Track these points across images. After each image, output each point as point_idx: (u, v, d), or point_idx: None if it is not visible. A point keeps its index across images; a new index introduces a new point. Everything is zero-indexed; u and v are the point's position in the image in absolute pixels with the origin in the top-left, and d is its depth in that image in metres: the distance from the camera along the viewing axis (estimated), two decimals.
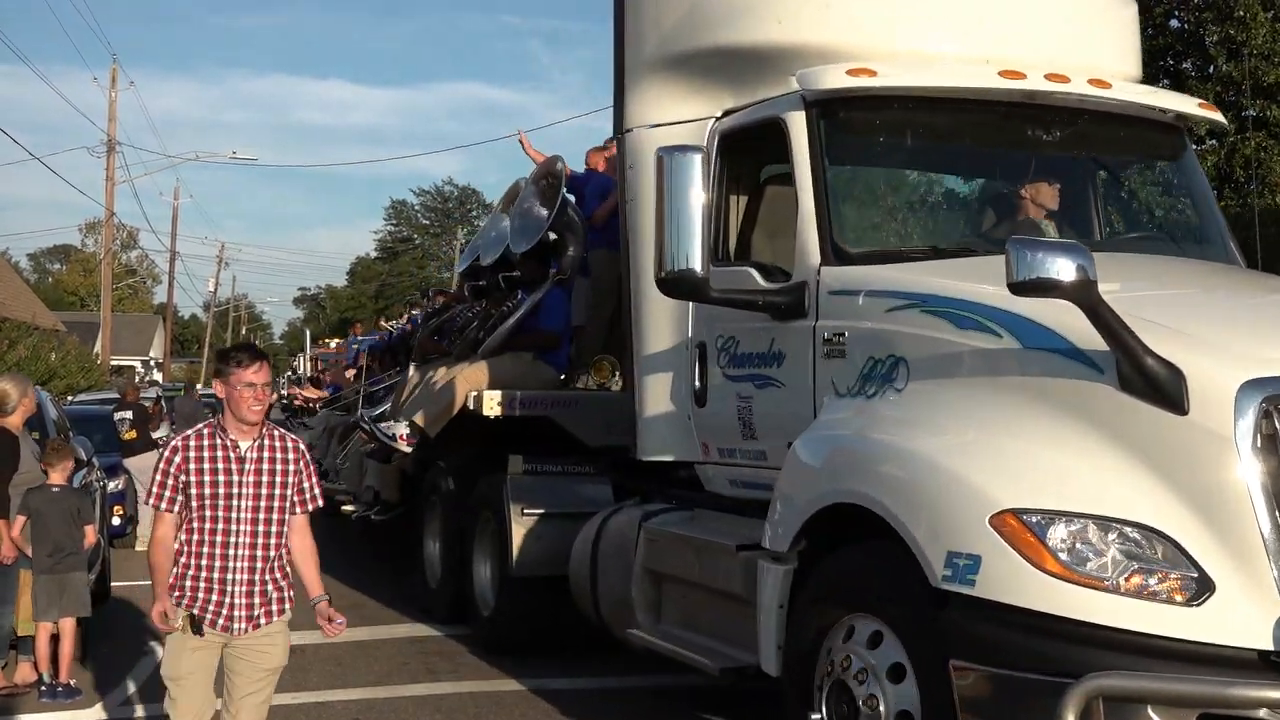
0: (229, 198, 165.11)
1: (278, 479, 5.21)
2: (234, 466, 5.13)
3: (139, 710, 7.83)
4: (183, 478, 5.08)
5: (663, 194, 5.72)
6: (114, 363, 45.03)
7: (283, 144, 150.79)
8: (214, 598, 5.10)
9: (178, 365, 72.75)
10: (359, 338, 21.37)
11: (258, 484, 5.17)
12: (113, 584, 11.78)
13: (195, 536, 5.12)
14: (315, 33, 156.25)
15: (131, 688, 8.36)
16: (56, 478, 8.44)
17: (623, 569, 7.38)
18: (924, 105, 6.54)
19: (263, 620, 5.26)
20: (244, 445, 5.17)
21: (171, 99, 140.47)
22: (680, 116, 7.03)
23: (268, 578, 5.27)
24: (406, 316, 18.95)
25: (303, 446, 5.47)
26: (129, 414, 15.98)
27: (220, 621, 5.12)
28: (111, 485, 13.98)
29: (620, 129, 7.46)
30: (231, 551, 5.12)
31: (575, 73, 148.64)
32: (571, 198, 10.58)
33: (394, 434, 9.89)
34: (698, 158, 5.72)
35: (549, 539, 8.59)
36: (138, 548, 15.00)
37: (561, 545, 8.34)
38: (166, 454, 5.20)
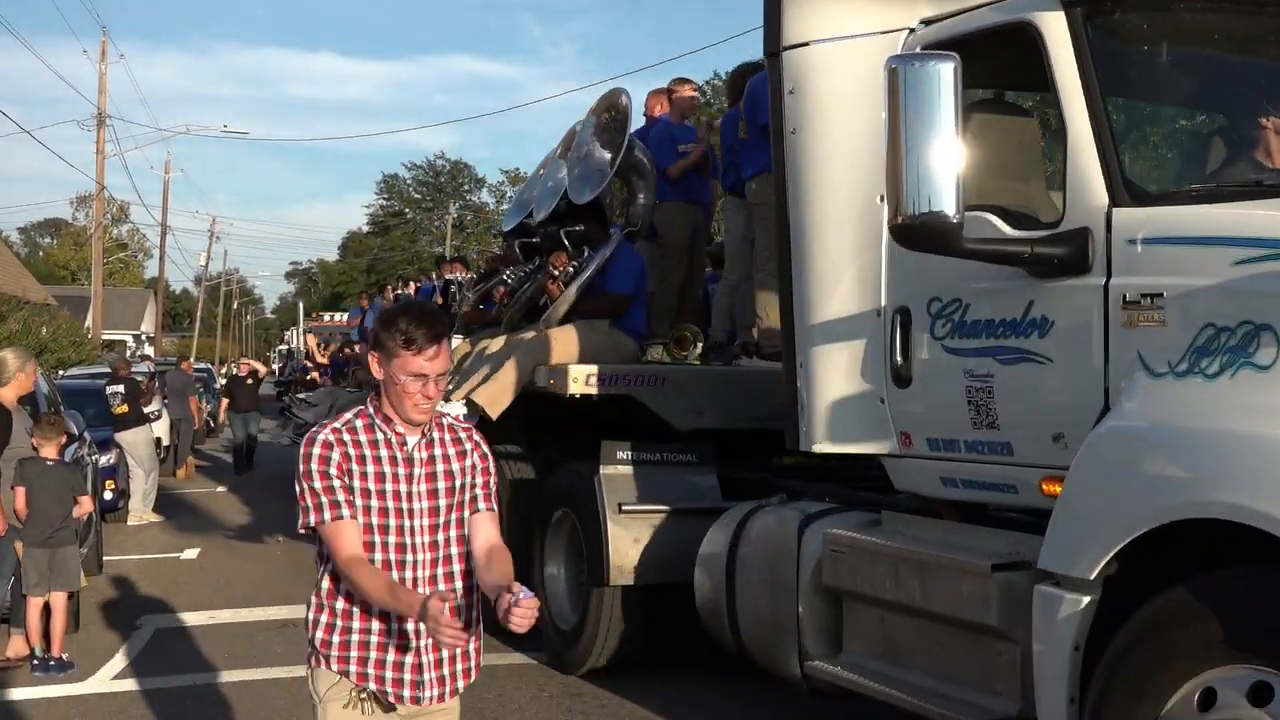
0: (220, 171, 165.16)
1: (456, 485, 3.78)
2: (402, 471, 3.71)
3: (132, 684, 7.82)
4: (348, 480, 3.64)
5: (898, 118, 4.48)
6: (105, 337, 44.83)
7: (274, 117, 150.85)
8: (392, 657, 3.67)
9: (169, 340, 72.63)
10: (365, 308, 20.34)
11: (433, 493, 3.74)
12: (104, 558, 11.82)
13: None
14: (306, 4, 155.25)
15: (124, 661, 8.37)
16: (49, 452, 8.40)
17: (777, 584, 5.97)
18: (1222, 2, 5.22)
19: (460, 684, 3.84)
20: (410, 441, 3.74)
21: (162, 71, 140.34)
22: (861, 28, 5.61)
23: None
24: (415, 286, 18.04)
25: (478, 436, 3.98)
26: (121, 388, 15.93)
27: (408, 691, 3.68)
28: (103, 460, 13.97)
29: (774, 47, 5.86)
30: (410, 587, 3.62)
31: (566, 46, 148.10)
32: (639, 142, 9.29)
33: (451, 417, 8.36)
34: (950, 68, 4.42)
35: (657, 541, 7.08)
36: (130, 522, 15.12)
37: (671, 548, 6.98)
38: (318, 450, 3.68)
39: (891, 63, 4.63)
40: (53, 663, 8.03)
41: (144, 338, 67.04)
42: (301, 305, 45.71)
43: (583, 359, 7.83)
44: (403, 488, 3.67)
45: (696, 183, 9.84)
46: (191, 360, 37.36)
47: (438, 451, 3.77)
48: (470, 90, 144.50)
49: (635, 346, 8.46)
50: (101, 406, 15.61)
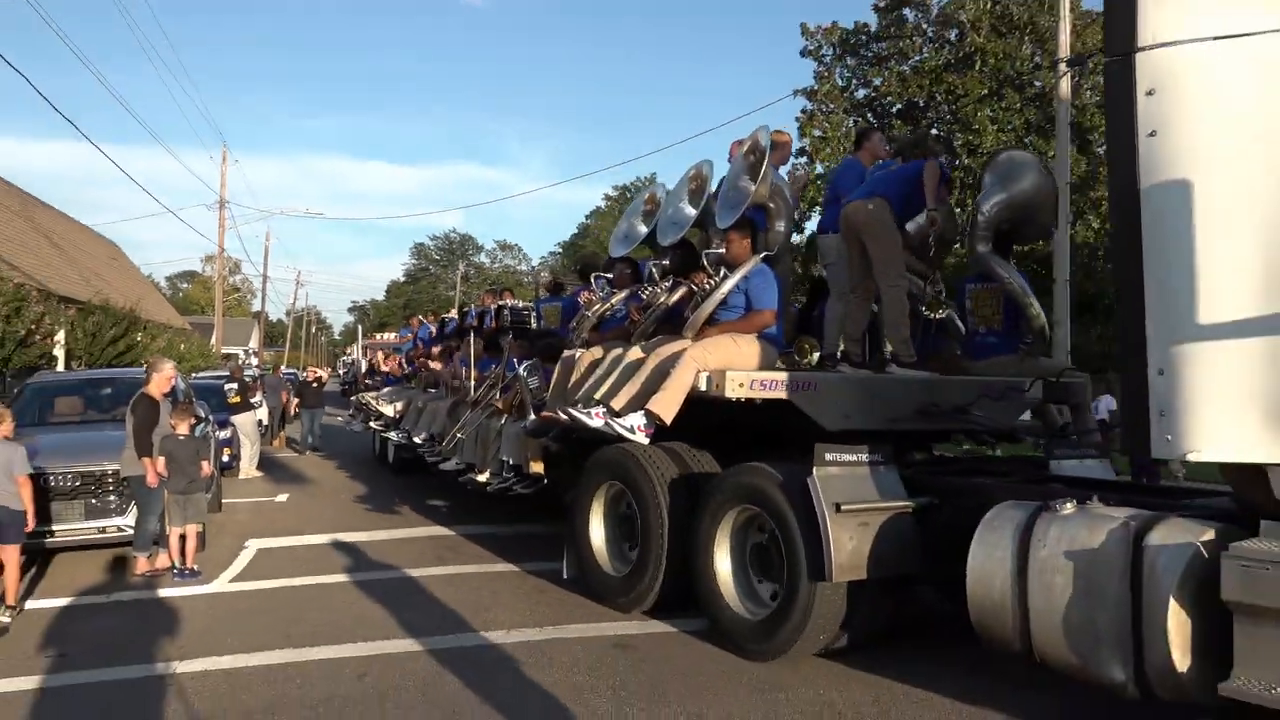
0: (303, 238, 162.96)
1: None
2: None
3: (241, 585, 7.72)
4: None
5: None
6: (224, 351, 44.22)
7: (340, 202, 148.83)
8: None
9: (268, 353, 71.87)
10: (424, 325, 18.18)
11: None
12: (223, 501, 11.68)
13: None
14: (364, 128, 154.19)
15: (236, 570, 8.25)
16: (182, 429, 8.31)
17: (1097, 592, 4.10)
18: None
19: None
20: None
21: (263, 171, 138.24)
22: (1244, 27, 3.72)
23: None
24: (462, 312, 15.43)
25: None
26: (235, 385, 15.82)
27: None
28: (222, 434, 13.89)
29: (1125, 47, 4.00)
30: None
31: (540, 157, 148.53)
32: (782, 171, 7.62)
33: (631, 426, 6.20)
34: None
35: (871, 537, 5.30)
36: (240, 476, 14.90)
37: (884, 543, 5.30)
38: None
39: None
40: (188, 572, 7.93)
41: (250, 352, 66.24)
42: (360, 329, 45.14)
43: (735, 367, 6.17)
44: None
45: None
46: (282, 367, 36.84)
47: None
48: (473, 186, 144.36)
49: (777, 356, 6.70)
50: (221, 398, 15.38)
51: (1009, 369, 7.11)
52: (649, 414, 6.16)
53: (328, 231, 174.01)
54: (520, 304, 11.90)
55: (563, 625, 6.38)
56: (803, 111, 27.89)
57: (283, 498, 12.86)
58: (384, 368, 18.94)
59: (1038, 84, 21.77)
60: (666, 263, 7.62)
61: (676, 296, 7.05)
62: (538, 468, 8.19)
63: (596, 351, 7.32)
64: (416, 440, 11.85)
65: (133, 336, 22.89)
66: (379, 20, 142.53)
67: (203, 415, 10.79)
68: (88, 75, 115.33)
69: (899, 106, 25.20)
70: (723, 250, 6.92)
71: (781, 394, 5.99)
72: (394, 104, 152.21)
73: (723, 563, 5.99)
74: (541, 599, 7.15)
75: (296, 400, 20.83)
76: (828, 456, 5.48)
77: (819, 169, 27.74)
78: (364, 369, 22.81)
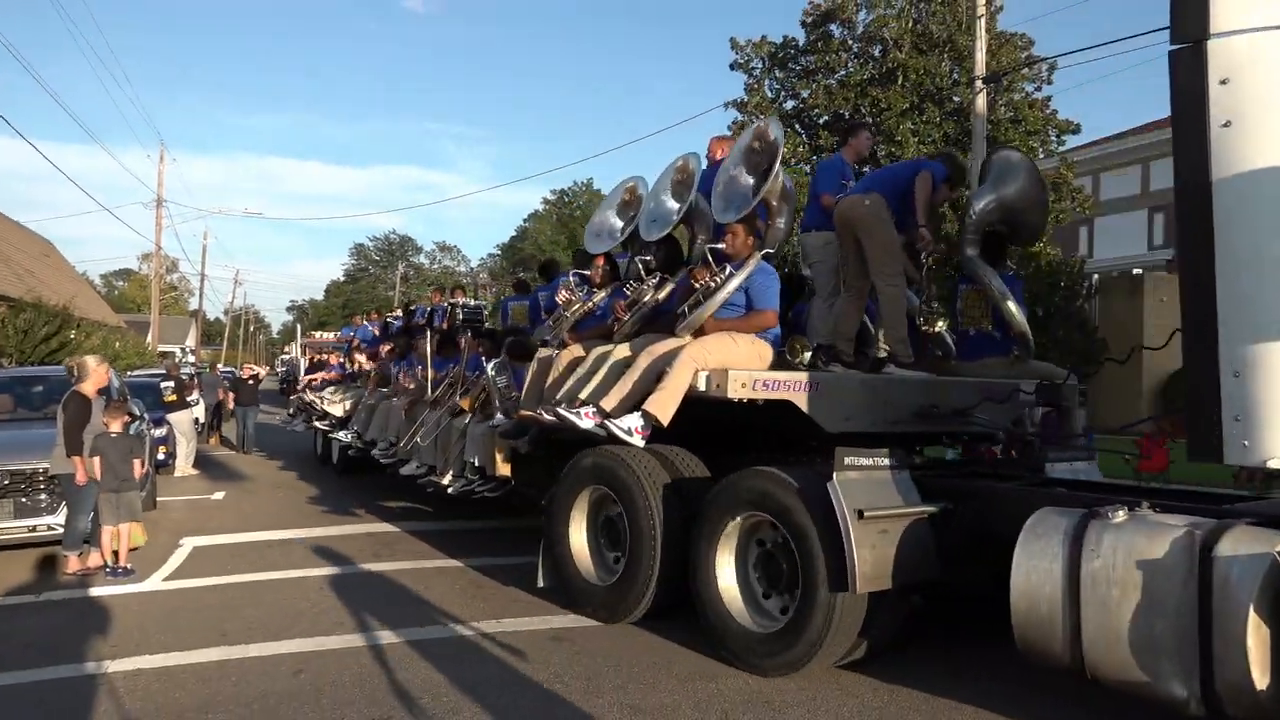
0: (241, 237, 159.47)
1: None
2: None
3: (175, 584, 7.50)
4: None
5: None
6: (161, 349, 43.04)
7: (280, 202, 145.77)
8: None
9: (205, 351, 70.23)
10: (367, 325, 17.51)
11: None
12: (158, 499, 11.36)
13: None
14: (303, 130, 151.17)
15: (170, 569, 8.00)
16: (115, 427, 8.06)
17: (1159, 603, 3.70)
18: None
19: None
20: None
21: (201, 170, 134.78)
22: None
23: None
24: (409, 310, 14.68)
25: None
26: (170, 383, 15.46)
27: None
28: (157, 432, 13.59)
29: (1196, 34, 3.66)
30: None
31: (475, 160, 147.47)
32: (780, 170, 6.68)
33: (629, 427, 5.72)
34: None
35: (892, 545, 4.79)
36: (175, 474, 14.50)
37: (905, 550, 4.81)
38: None
39: None
40: (120, 570, 7.69)
41: (188, 350, 64.79)
42: (299, 328, 44.34)
43: (735, 366, 5.68)
44: None
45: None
46: (220, 365, 36.00)
47: None
48: (413, 188, 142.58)
49: (774, 355, 6.19)
50: (157, 396, 15.01)
51: (998, 371, 6.83)
52: (646, 415, 5.70)
53: (267, 231, 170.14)
54: (473, 302, 11.36)
55: (500, 619, 6.32)
56: (734, 123, 28.11)
57: (219, 495, 12.53)
58: (323, 369, 18.29)
59: (956, 99, 22.25)
60: (650, 259, 7.02)
61: (665, 293, 6.62)
62: (505, 470, 7.68)
63: (577, 350, 6.89)
64: (370, 441, 11.31)
65: (66, 334, 22.21)
66: (319, 22, 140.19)
67: (136, 413, 10.50)
68: (19, 69, 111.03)
69: (826, 118, 25.56)
70: (722, 245, 6.28)
71: (784, 395, 5.61)
72: (334, 105, 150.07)
73: (726, 573, 5.43)
74: (479, 593, 7.08)
75: (233, 397, 20.19)
76: (847, 460, 4.88)
77: None
78: (304, 367, 22.19)
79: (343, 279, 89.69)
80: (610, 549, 6.43)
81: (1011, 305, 6.99)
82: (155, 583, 7.52)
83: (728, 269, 6.18)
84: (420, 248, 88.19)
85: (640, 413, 5.73)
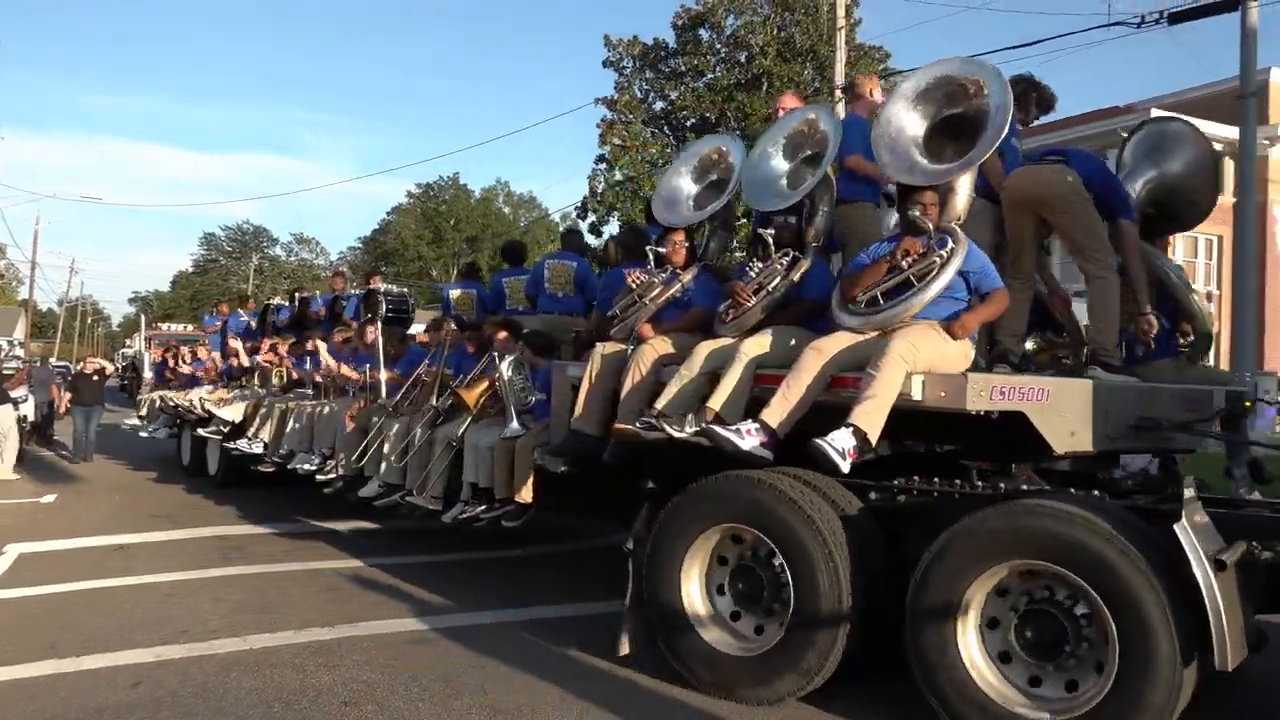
0: (79, 222, 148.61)
1: None
2: None
3: (1, 594, 6.98)
4: None
5: None
6: None
7: (122, 187, 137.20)
8: None
9: (37, 344, 65.92)
10: (239, 314, 15.37)
11: None
12: None
13: None
14: (149, 112, 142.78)
15: None
16: None
17: None
18: None
19: None
20: None
21: (35, 150, 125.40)
22: None
23: None
24: (303, 298, 12.27)
25: None
26: None
27: None
28: None
29: None
30: None
31: (334, 150, 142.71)
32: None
33: (842, 449, 4.35)
34: None
35: (1238, 598, 3.61)
36: (1, 476, 13.49)
37: (1245, 604, 3.67)
38: None
39: None
40: None
41: (15, 342, 60.74)
42: (143, 319, 42.05)
43: (944, 368, 4.49)
44: None
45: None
46: (53, 359, 33.64)
47: None
48: (269, 176, 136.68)
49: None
50: None
51: (1168, 375, 5.70)
52: (858, 432, 4.37)
53: (109, 217, 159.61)
54: (396, 289, 9.57)
55: (356, 623, 6.14)
56: (603, 120, 28.25)
57: (50, 498, 11.70)
58: (186, 365, 15.61)
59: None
60: (772, 231, 5.58)
61: (799, 275, 5.39)
62: (527, 494, 6.27)
63: (663, 345, 5.59)
64: (287, 453, 9.39)
65: None
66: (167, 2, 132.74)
67: None
68: None
69: (693, 120, 25.99)
70: (921, 213, 4.86)
71: (1019, 404, 4.35)
72: (182, 88, 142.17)
73: (971, 643, 3.99)
74: (333, 597, 6.86)
75: (69, 396, 17.45)
76: (1187, 494, 3.72)
77: (618, 175, 28.17)
78: (149, 362, 20.48)
79: (191, 270, 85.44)
80: (750, 606, 4.83)
81: (1196, 299, 6.08)
82: None
83: (947, 241, 4.73)
84: (276, 239, 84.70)
85: (851, 429, 4.41)
